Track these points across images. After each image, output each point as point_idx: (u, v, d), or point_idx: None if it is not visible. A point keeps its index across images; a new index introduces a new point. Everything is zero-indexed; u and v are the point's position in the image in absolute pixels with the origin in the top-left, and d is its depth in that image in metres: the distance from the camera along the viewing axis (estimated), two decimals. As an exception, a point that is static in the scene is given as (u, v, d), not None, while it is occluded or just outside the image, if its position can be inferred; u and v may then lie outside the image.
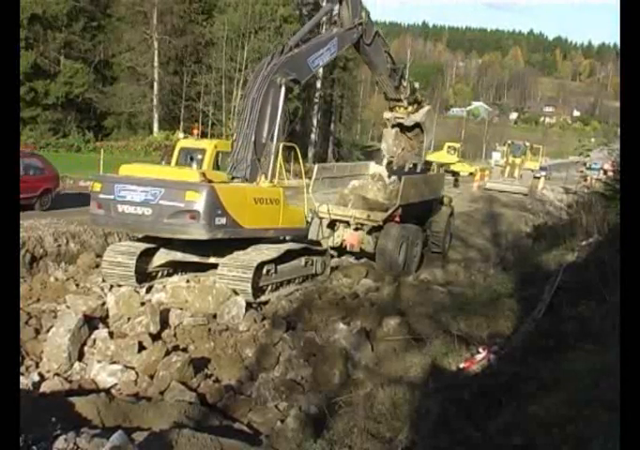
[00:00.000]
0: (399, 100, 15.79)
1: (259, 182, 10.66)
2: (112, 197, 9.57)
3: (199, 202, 9.09)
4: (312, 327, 9.12)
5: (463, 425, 5.43)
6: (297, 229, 11.72)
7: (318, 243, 12.98)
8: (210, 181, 9.46)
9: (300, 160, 13.33)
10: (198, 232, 9.28)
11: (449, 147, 45.12)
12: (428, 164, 18.46)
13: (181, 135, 14.39)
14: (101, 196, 9.72)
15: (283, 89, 10.91)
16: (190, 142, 12.03)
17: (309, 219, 12.25)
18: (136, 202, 9.37)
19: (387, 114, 16.28)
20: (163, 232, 9.59)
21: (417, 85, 16.54)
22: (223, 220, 9.36)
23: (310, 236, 12.97)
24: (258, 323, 9.02)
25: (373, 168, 16.59)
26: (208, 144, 11.53)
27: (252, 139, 10.68)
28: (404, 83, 15.45)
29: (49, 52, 38.85)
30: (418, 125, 15.99)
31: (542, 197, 31.51)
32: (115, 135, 43.01)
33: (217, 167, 11.27)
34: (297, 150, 12.51)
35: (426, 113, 16.20)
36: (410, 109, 15.95)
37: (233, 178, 10.56)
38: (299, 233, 12.05)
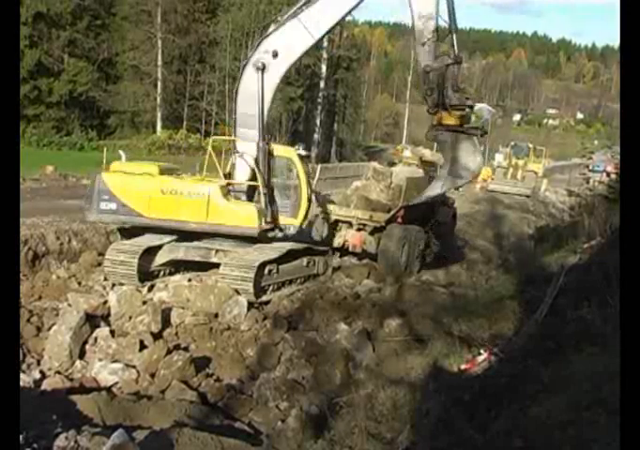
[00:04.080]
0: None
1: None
2: None
3: (91, 187, 10.67)
4: (314, 327, 9.13)
5: (463, 426, 5.41)
6: (242, 227, 10.51)
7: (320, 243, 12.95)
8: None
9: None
10: (87, 215, 10.78)
11: None
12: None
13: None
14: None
15: (259, 70, 10.41)
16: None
17: (262, 222, 10.71)
18: None
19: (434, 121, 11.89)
20: (86, 215, 10.95)
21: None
22: (113, 206, 10.35)
23: (312, 236, 12.94)
24: (259, 323, 9.04)
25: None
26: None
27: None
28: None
29: (53, 50, 38.97)
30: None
31: (545, 199, 31.46)
32: (119, 134, 43.10)
33: None
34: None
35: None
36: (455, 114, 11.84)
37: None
38: (246, 233, 10.64)
